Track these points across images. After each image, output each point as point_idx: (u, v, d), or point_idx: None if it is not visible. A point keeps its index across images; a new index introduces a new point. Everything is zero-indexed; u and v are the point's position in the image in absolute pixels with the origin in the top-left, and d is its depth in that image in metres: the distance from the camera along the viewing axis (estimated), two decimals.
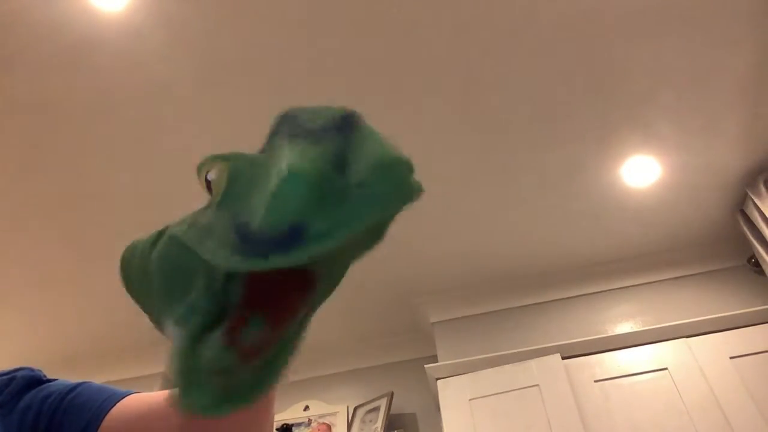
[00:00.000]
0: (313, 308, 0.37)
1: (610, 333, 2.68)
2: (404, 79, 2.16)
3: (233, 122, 2.20)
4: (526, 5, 1.99)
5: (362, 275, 2.86)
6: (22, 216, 2.47)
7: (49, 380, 0.69)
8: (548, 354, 2.58)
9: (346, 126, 0.33)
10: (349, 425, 2.89)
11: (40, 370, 0.70)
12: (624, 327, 2.72)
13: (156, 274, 0.39)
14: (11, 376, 0.67)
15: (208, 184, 0.36)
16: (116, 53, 2.02)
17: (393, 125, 2.29)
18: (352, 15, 1.99)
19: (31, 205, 2.45)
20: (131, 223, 2.53)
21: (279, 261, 0.30)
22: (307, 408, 3.00)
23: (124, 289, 0.48)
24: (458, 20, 2.02)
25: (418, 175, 0.32)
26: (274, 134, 0.35)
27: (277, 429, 2.92)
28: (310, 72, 2.12)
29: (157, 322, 0.40)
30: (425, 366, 2.72)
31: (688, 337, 2.51)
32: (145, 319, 0.45)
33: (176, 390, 0.35)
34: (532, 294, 2.93)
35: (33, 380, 0.67)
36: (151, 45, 2.01)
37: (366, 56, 2.10)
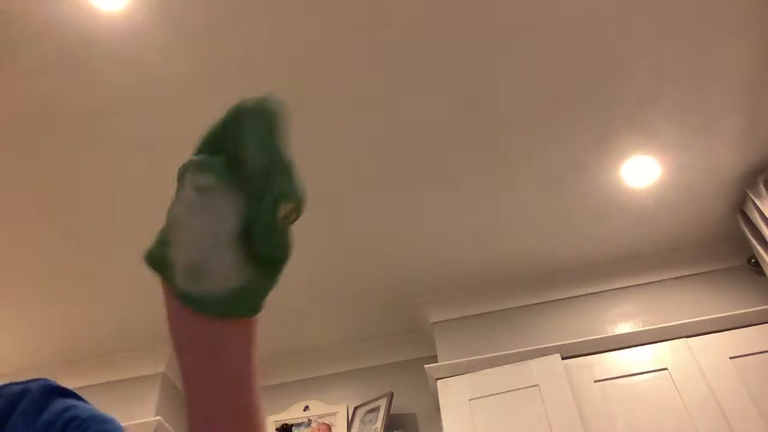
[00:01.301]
0: None
1: (610, 333, 2.68)
2: (405, 79, 2.16)
3: None
4: (527, 7, 1.99)
5: (362, 275, 2.86)
6: (19, 215, 2.47)
7: (66, 391, 0.68)
8: (548, 354, 2.58)
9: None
10: (349, 425, 2.89)
11: (54, 381, 0.69)
12: (624, 327, 2.72)
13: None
14: (25, 386, 0.66)
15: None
16: (116, 53, 2.02)
17: (393, 126, 2.29)
18: (351, 13, 1.99)
19: (29, 204, 2.45)
20: (130, 222, 2.53)
21: None
22: (307, 408, 3.01)
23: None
24: (459, 22, 2.02)
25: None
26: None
27: (276, 429, 2.92)
28: (308, 71, 2.12)
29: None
30: (425, 366, 2.72)
31: (688, 337, 2.51)
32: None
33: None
34: (531, 294, 2.93)
35: (54, 389, 0.67)
36: (151, 45, 2.01)
37: (366, 56, 2.10)
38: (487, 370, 2.60)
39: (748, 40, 2.11)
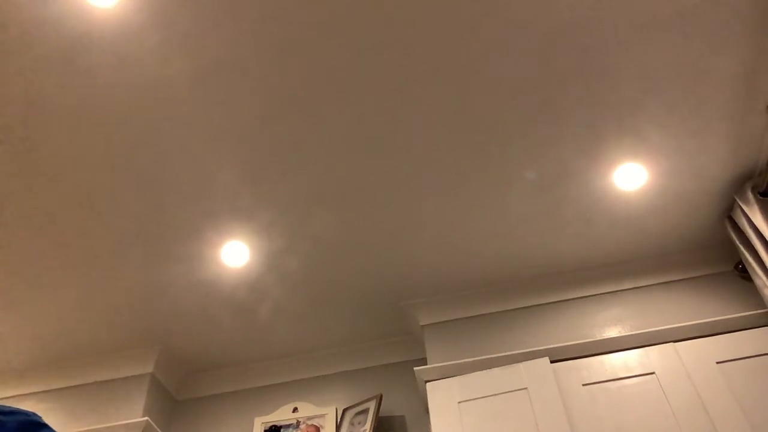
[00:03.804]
0: None
1: (599, 337, 2.69)
2: (398, 82, 2.17)
3: (228, 119, 2.20)
4: (520, 13, 2.01)
5: (352, 278, 2.86)
6: (12, 216, 2.46)
7: (46, 428, 0.67)
8: (537, 357, 2.59)
9: None
10: (338, 427, 2.89)
11: (36, 416, 0.69)
12: (612, 331, 2.74)
13: None
14: (1, 421, 0.66)
15: None
16: (109, 50, 2.01)
17: (385, 128, 2.30)
18: (346, 14, 1.99)
19: (23, 205, 2.43)
20: (122, 227, 2.52)
21: None
22: (295, 410, 3.00)
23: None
24: (453, 27, 2.03)
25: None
26: None
27: (265, 430, 2.91)
28: (304, 71, 2.12)
29: None
30: (414, 368, 2.73)
31: (675, 341, 2.53)
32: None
33: None
34: (521, 297, 2.95)
35: (30, 424, 0.66)
36: (145, 41, 2.00)
37: (360, 56, 2.10)
38: (476, 373, 2.61)
39: (738, 47, 2.13)
